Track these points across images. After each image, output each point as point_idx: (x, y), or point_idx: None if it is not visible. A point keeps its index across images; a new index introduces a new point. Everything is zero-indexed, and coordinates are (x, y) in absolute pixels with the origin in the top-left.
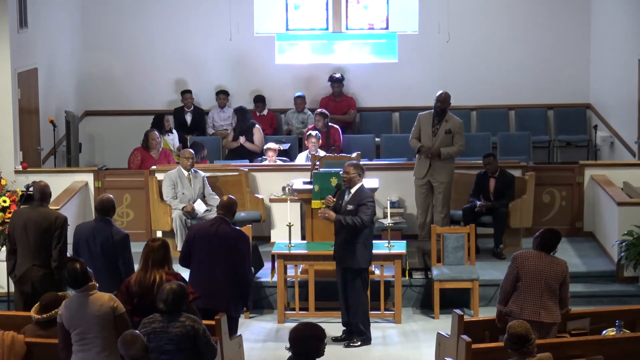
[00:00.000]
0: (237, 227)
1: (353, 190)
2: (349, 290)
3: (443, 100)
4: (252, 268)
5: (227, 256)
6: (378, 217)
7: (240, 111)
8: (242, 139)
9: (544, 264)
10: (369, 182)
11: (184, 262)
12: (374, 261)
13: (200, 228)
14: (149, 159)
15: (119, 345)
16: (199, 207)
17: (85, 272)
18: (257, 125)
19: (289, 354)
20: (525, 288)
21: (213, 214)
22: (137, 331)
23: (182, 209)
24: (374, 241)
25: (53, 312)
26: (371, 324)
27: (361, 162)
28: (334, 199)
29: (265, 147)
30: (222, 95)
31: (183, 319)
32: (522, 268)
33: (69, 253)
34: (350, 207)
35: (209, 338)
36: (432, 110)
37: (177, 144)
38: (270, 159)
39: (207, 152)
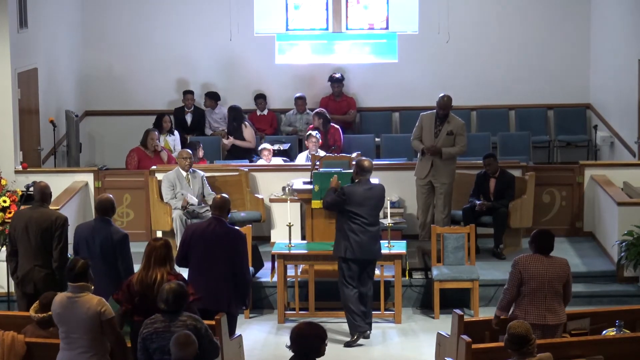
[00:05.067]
0: (234, 226)
1: None
2: None
3: (444, 107)
4: (252, 268)
5: (225, 255)
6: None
7: (230, 111)
8: (228, 140)
9: (546, 267)
10: None
11: (181, 263)
12: None
13: (197, 228)
14: (145, 158)
15: (171, 344)
16: (192, 200)
17: (85, 270)
18: (245, 122)
19: (289, 353)
20: (529, 292)
21: None
22: (192, 334)
23: (181, 207)
24: None
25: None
26: (372, 324)
27: None
28: None
29: (260, 147)
30: (209, 99)
31: (184, 318)
32: (525, 272)
33: (70, 253)
34: None
35: (211, 337)
36: (434, 111)
37: (178, 145)
38: (266, 159)
39: (203, 152)
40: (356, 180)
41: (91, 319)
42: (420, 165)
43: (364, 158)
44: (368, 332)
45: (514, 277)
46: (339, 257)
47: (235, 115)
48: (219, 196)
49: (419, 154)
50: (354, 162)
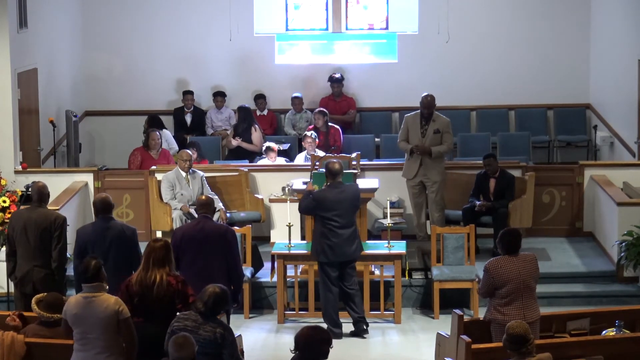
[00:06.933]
0: (222, 223)
1: None
2: None
3: (429, 106)
4: (252, 268)
5: (218, 252)
6: (378, 218)
7: (241, 110)
8: (235, 141)
9: (518, 267)
10: (369, 182)
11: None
12: (374, 261)
13: (186, 230)
14: (148, 159)
15: (169, 346)
16: (193, 212)
17: (99, 269)
18: (255, 125)
19: (291, 354)
20: (506, 295)
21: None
22: (190, 335)
23: (180, 208)
24: (374, 241)
25: (59, 315)
26: (365, 318)
27: (361, 162)
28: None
29: (264, 146)
30: (219, 97)
31: (216, 324)
32: (498, 277)
33: (69, 254)
34: None
35: (235, 350)
36: (419, 111)
37: (173, 145)
38: (271, 159)
39: (197, 154)
40: (327, 183)
41: (109, 318)
42: (408, 165)
43: (334, 160)
44: (364, 326)
45: (487, 282)
46: (316, 260)
47: (246, 116)
48: (203, 196)
49: (406, 155)
50: (353, 163)
